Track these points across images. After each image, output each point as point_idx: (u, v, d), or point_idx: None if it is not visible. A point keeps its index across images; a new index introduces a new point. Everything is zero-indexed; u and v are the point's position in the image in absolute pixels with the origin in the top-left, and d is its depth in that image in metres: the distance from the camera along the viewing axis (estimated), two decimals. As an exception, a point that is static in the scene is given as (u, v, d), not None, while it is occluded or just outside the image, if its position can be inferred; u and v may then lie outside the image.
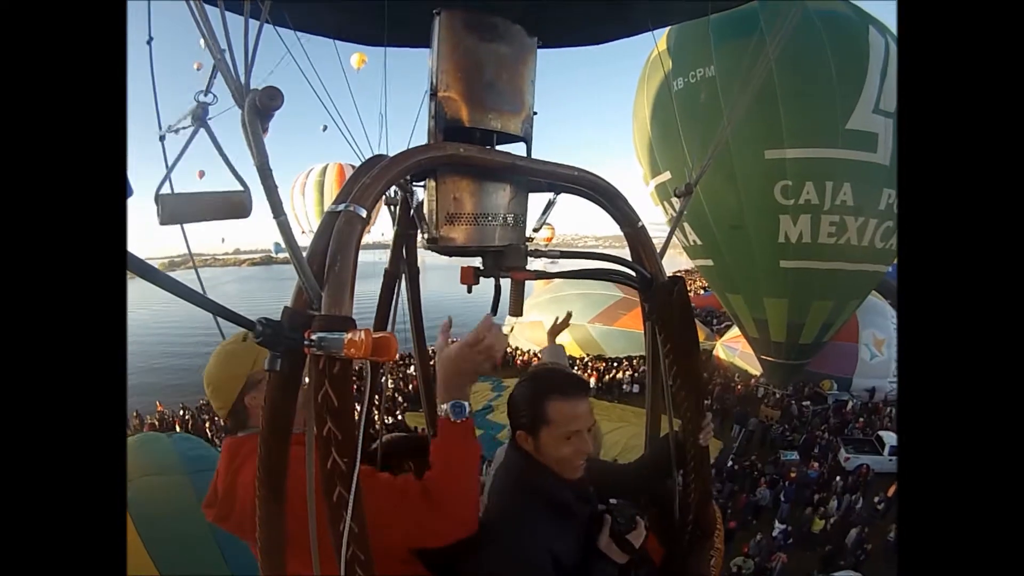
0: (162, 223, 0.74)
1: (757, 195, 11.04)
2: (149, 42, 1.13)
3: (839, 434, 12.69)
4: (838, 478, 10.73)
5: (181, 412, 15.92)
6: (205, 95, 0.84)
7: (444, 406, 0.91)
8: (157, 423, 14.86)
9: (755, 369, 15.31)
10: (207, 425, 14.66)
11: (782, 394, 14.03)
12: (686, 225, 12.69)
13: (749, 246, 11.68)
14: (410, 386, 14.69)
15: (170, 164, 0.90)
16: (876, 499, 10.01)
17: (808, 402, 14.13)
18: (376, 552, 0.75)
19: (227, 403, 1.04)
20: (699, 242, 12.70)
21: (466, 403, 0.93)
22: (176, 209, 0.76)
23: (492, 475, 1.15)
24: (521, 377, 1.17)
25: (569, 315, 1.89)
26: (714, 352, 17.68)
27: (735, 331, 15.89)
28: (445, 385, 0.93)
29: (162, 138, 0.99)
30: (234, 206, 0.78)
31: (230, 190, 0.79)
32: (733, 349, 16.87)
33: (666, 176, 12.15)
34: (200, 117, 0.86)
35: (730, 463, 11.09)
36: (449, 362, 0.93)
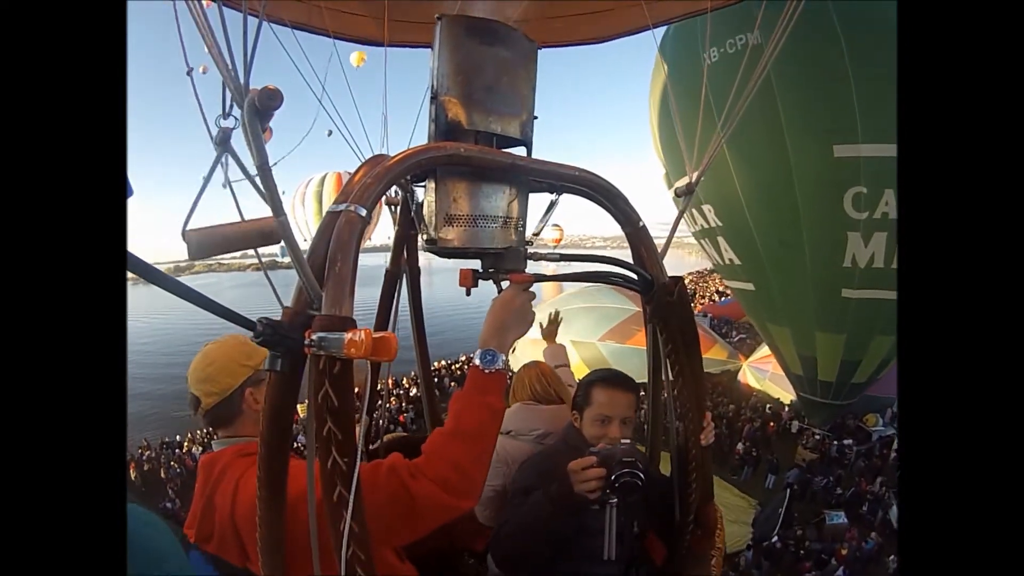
0: (192, 258, 0.75)
1: (821, 204, 8.54)
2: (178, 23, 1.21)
3: (890, 485, 10.83)
4: (892, 557, 8.87)
5: (139, 451, 14.21)
6: (225, 118, 0.82)
7: (476, 352, 0.92)
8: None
9: (788, 393, 13.23)
10: (161, 471, 13.15)
11: (822, 434, 12.08)
12: (720, 240, 10.30)
13: (804, 269, 9.29)
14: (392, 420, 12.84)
15: (193, 200, 0.83)
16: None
17: (850, 440, 12.24)
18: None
19: (226, 389, 1.01)
20: (737, 261, 10.27)
21: (502, 355, 0.92)
22: (203, 243, 0.74)
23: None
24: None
25: (557, 313, 2.24)
26: (740, 376, 15.56)
27: (764, 350, 13.79)
28: (492, 328, 0.94)
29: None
30: (264, 236, 0.78)
31: (258, 218, 0.80)
32: (763, 372, 14.69)
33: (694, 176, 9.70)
34: (225, 142, 0.82)
35: (775, 538, 9.14)
36: (503, 304, 0.97)
